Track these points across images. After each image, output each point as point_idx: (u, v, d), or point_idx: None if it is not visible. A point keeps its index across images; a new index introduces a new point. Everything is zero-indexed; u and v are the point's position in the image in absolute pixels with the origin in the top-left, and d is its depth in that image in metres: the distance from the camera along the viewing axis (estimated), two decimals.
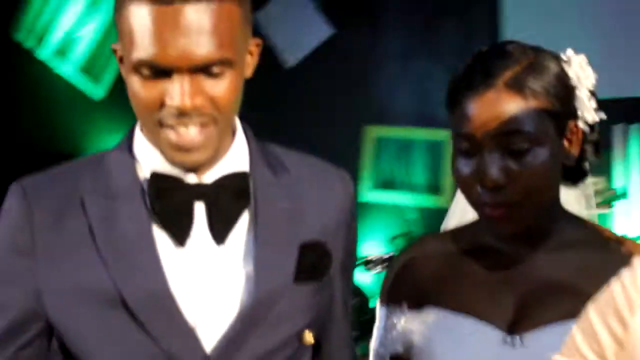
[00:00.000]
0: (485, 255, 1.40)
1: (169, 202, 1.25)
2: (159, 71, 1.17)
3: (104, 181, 1.29)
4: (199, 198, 1.27)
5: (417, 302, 1.42)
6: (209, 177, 1.28)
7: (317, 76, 5.92)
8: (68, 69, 6.73)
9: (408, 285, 1.45)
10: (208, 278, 1.27)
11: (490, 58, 1.31)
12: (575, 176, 1.44)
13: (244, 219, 1.30)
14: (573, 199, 1.51)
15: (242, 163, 1.32)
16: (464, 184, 1.33)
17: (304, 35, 6.05)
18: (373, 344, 1.52)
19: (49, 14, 6.65)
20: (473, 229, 1.45)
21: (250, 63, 1.28)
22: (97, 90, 7.54)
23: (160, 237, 1.27)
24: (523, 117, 1.25)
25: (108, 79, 7.60)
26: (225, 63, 1.18)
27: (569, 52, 1.38)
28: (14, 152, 6.04)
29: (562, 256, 1.34)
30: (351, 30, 5.76)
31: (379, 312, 1.53)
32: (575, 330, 1.13)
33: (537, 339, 1.28)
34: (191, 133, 1.19)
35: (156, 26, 1.12)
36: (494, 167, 1.26)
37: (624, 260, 1.17)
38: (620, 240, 1.37)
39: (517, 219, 1.30)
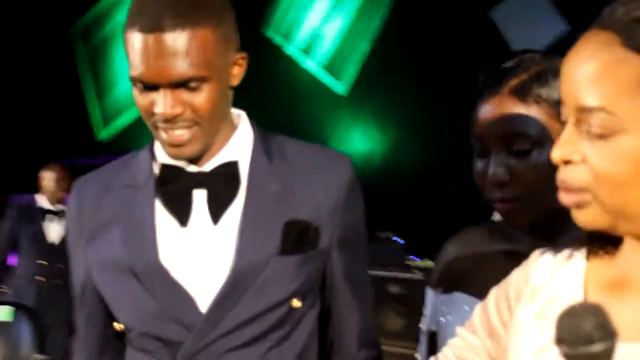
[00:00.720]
0: (507, 249, 1.48)
1: (172, 189, 1.47)
2: (148, 86, 1.38)
3: (130, 174, 1.54)
4: (198, 185, 1.47)
5: (450, 288, 1.53)
6: (208, 166, 1.48)
7: None
8: (312, 65, 7.10)
9: (446, 272, 1.56)
10: (205, 252, 1.46)
11: (503, 68, 1.41)
12: None
13: (239, 201, 1.48)
14: None
15: (241, 153, 1.51)
16: (479, 181, 1.42)
17: (539, 31, 6.00)
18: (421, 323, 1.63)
19: (296, 11, 7.11)
20: (502, 224, 1.52)
21: (237, 73, 1.46)
22: (339, 86, 7.94)
23: (167, 219, 1.48)
24: (524, 121, 1.36)
25: (349, 76, 7.98)
26: (200, 79, 1.37)
27: None
28: None
29: None
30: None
31: (427, 294, 1.63)
32: (476, 308, 1.18)
33: None
34: (177, 134, 1.40)
35: (142, 50, 1.35)
36: (498, 166, 1.37)
37: None
38: None
39: (522, 213, 1.38)
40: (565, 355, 0.79)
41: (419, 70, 7.65)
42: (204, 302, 1.44)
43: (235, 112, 1.55)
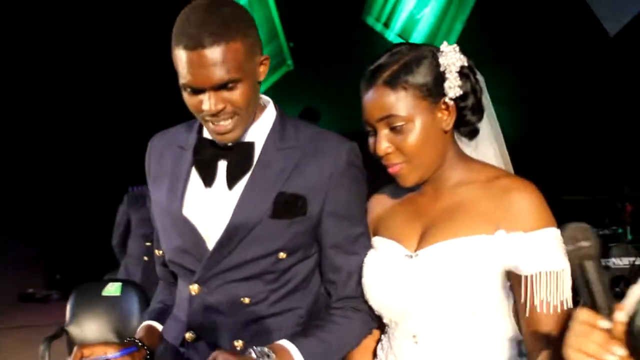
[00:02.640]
0: (410, 195, 1.88)
1: (204, 157, 1.83)
2: (196, 89, 1.69)
3: (185, 138, 1.91)
4: (222, 157, 1.82)
5: (373, 232, 1.91)
6: (232, 143, 1.80)
7: None
8: None
9: (371, 218, 1.94)
10: (219, 209, 1.81)
11: (378, 64, 1.75)
12: (469, 134, 1.82)
13: (250, 174, 1.82)
14: (492, 154, 1.90)
15: (259, 135, 1.84)
16: (373, 154, 1.77)
17: (625, 3, 6.19)
18: None
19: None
20: None
21: (263, 71, 1.79)
22: None
23: (197, 179, 1.85)
24: (394, 105, 1.71)
25: None
26: (235, 81, 1.68)
27: (444, 44, 1.76)
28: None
29: (456, 193, 1.78)
30: None
31: None
32: None
33: (427, 252, 1.73)
34: (222, 124, 1.73)
35: (188, 63, 1.66)
36: (381, 141, 1.73)
37: (498, 192, 1.69)
38: (497, 177, 1.75)
39: (408, 172, 1.75)
40: (567, 252, 1.29)
41: (514, 50, 7.79)
42: (212, 245, 1.81)
43: (265, 98, 1.91)
